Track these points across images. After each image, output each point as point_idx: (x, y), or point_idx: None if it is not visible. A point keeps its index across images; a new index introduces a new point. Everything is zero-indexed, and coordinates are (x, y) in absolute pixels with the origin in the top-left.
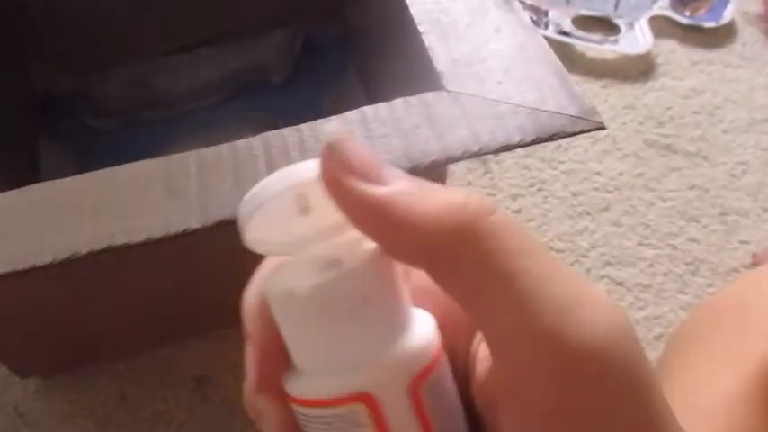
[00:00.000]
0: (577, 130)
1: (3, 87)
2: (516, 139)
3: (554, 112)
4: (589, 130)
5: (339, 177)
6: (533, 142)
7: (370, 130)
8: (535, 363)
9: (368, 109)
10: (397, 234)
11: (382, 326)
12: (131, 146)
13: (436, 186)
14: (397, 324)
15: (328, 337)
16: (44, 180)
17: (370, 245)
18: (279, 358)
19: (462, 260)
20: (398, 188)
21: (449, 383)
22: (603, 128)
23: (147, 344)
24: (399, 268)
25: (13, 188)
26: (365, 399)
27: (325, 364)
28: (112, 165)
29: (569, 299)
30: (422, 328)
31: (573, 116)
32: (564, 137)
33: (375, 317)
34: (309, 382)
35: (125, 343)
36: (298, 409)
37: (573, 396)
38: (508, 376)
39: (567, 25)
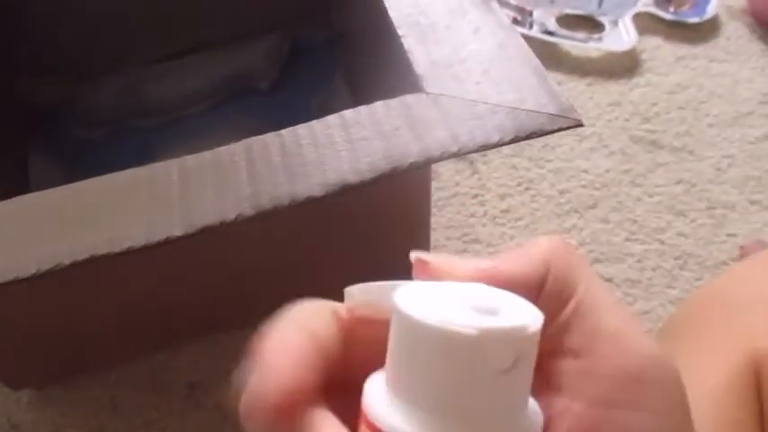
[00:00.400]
0: (556, 127)
1: None
2: (495, 139)
3: (533, 111)
4: (567, 128)
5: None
6: (512, 141)
7: (350, 134)
8: (605, 357)
9: (348, 112)
10: (517, 262)
11: (524, 388)
12: (121, 155)
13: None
14: (529, 389)
15: (470, 387)
16: (33, 191)
17: (527, 305)
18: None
19: (559, 278)
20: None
21: None
22: (581, 125)
23: (138, 352)
24: None
25: (0, 198)
26: None
27: (454, 411)
28: (102, 174)
29: (629, 315)
30: (537, 407)
31: (551, 114)
32: (542, 135)
33: (521, 376)
34: (430, 423)
35: (116, 351)
36: None
37: (631, 394)
38: (577, 374)
39: (552, 24)
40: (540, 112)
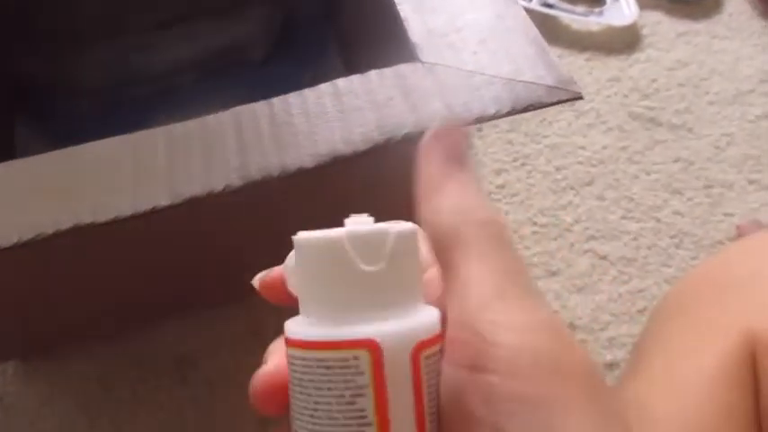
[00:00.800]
0: (554, 100)
1: None
2: (492, 111)
3: (530, 83)
4: (566, 100)
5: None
6: (509, 113)
7: (343, 103)
8: (468, 326)
9: (341, 81)
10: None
11: (400, 290)
12: (111, 127)
13: (458, 186)
14: (412, 295)
15: (349, 286)
16: None
17: (405, 224)
18: None
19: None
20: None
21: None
22: (581, 98)
23: (124, 325)
24: (421, 256)
25: None
26: (371, 345)
27: (340, 312)
28: None
29: (493, 295)
30: (430, 311)
31: (550, 86)
32: (540, 107)
33: (396, 279)
34: (319, 326)
35: (101, 325)
36: (297, 353)
37: (496, 360)
38: (450, 342)
39: None
40: (538, 84)
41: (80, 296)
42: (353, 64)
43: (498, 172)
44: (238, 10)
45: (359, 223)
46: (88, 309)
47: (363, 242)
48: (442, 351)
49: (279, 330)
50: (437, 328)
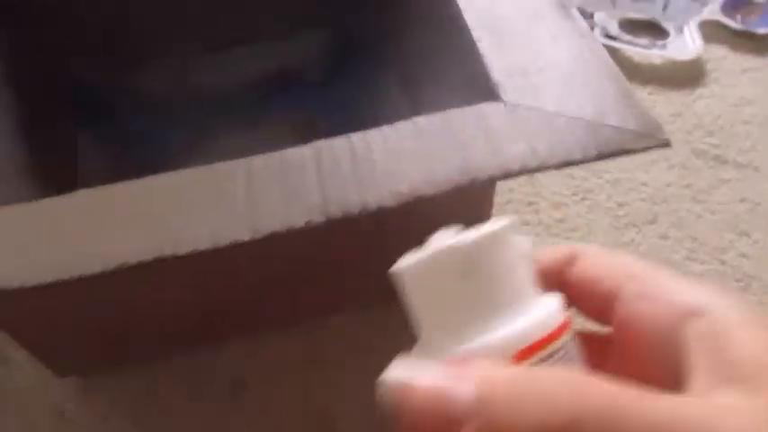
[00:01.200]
0: (641, 146)
1: (43, 85)
2: (578, 156)
3: (616, 127)
4: (653, 147)
5: None
6: (596, 158)
7: (424, 142)
8: None
9: (421, 120)
10: None
11: (490, 299)
12: (168, 145)
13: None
14: (509, 298)
15: (441, 306)
16: (83, 179)
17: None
18: None
19: None
20: None
21: (574, 359)
22: (669, 145)
23: (182, 346)
24: (523, 252)
25: (52, 190)
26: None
27: (438, 336)
28: (151, 163)
29: None
30: (536, 309)
31: (636, 132)
32: (626, 153)
33: (483, 289)
34: (417, 350)
35: (161, 345)
36: None
37: None
38: None
39: (614, 29)
40: (624, 129)
41: (145, 318)
42: (416, 90)
43: (557, 206)
44: (296, 33)
45: (447, 237)
46: (150, 329)
47: (447, 259)
48: (573, 337)
49: (338, 359)
50: (549, 326)
